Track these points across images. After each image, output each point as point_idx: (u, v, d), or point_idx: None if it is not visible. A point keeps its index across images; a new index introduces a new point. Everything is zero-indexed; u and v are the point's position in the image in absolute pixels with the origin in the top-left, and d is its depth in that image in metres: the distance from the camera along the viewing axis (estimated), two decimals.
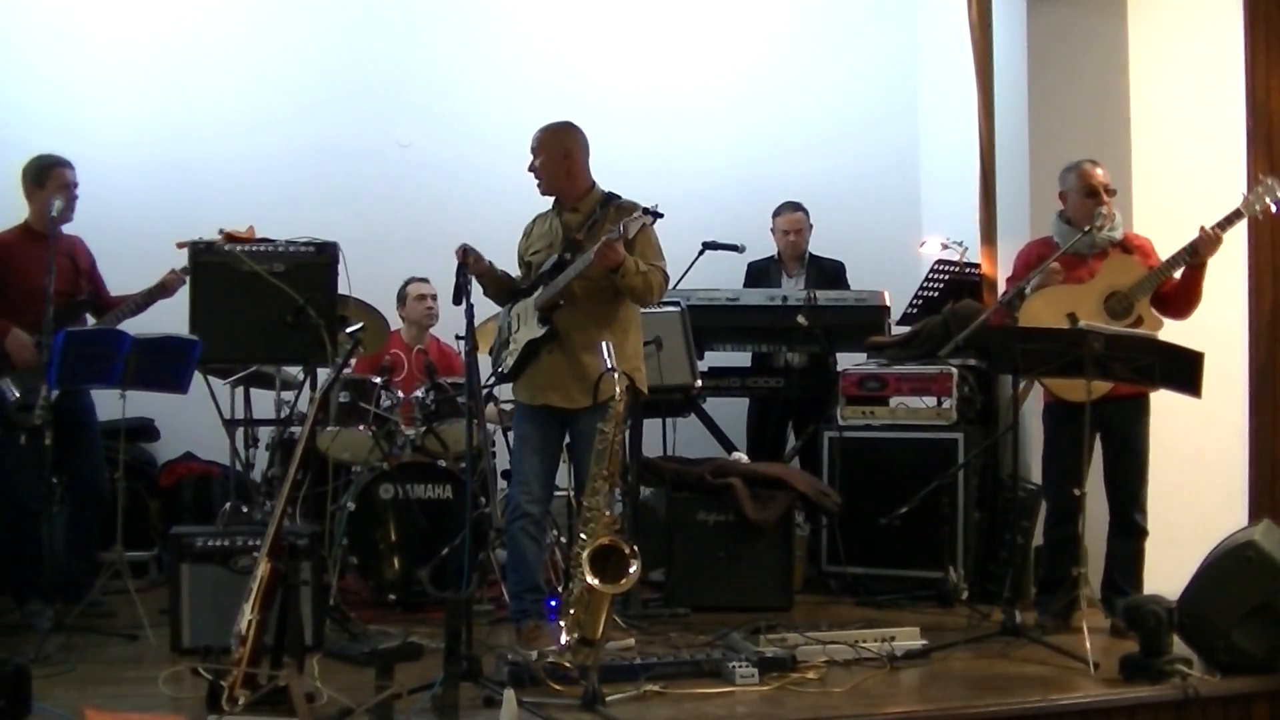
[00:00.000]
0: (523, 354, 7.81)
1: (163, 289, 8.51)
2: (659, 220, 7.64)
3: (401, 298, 10.62)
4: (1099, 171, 8.10)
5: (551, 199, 8.02)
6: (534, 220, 8.12)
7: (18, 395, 8.20)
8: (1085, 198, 8.05)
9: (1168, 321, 7.97)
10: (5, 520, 8.51)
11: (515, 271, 8.15)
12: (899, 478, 9.21)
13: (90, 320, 8.59)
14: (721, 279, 10.44)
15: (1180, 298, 7.97)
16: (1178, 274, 7.87)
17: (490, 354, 8.45)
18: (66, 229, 8.53)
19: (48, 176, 8.49)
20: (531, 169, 7.92)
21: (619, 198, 7.92)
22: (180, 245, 8.32)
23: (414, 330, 10.57)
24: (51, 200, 8.22)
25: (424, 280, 10.57)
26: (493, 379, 8.46)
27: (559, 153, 7.87)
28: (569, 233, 7.85)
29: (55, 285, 7.99)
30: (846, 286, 10.66)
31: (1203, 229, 7.71)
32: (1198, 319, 8.00)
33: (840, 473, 9.49)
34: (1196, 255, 7.75)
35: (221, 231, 8.31)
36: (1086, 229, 7.91)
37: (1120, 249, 8.10)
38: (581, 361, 7.59)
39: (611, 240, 7.35)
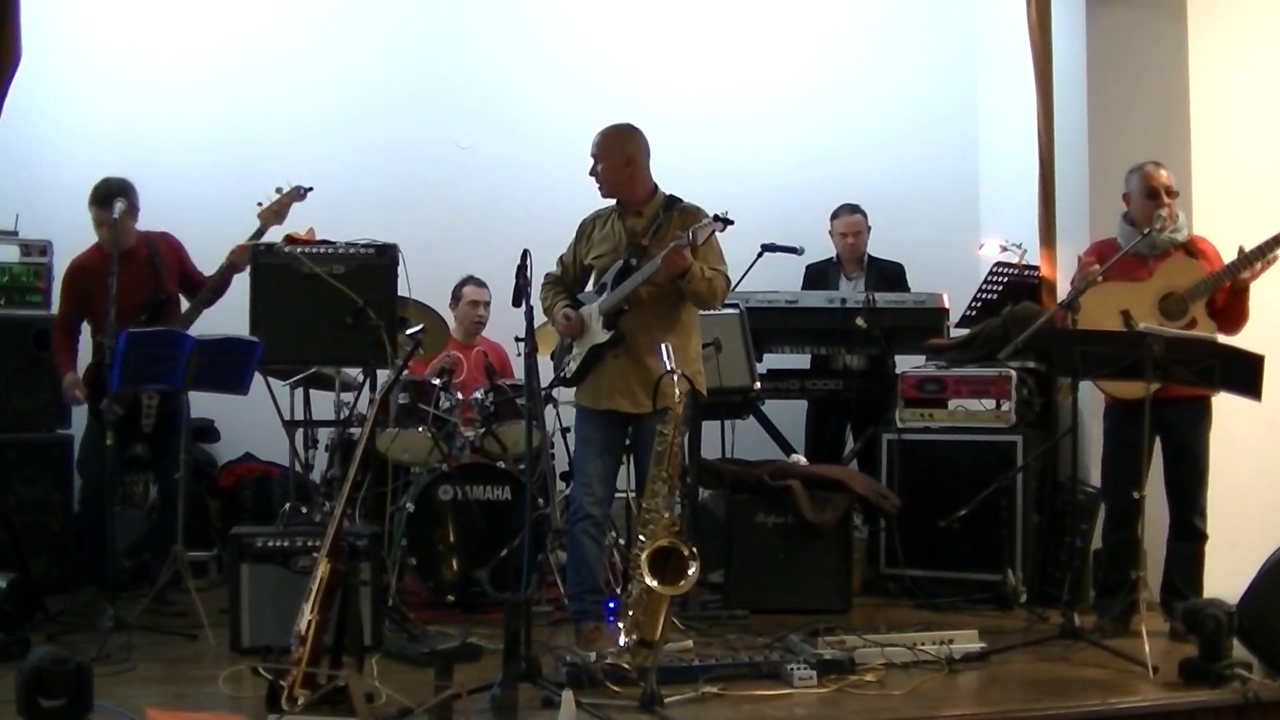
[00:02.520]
0: (587, 358, 7.82)
1: (232, 268, 8.62)
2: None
3: (456, 296, 10.64)
4: (1162, 173, 8.06)
5: (608, 200, 8.02)
6: (591, 221, 8.09)
7: (124, 411, 8.35)
8: (1146, 199, 8.02)
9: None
10: (84, 506, 8.78)
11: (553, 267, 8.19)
12: (958, 480, 9.22)
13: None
14: (780, 281, 10.44)
15: (1226, 314, 7.95)
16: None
17: (551, 358, 8.45)
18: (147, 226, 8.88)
19: (103, 207, 8.61)
20: (593, 173, 7.90)
21: (681, 201, 7.91)
22: (264, 217, 8.44)
23: (462, 331, 10.57)
24: (114, 205, 8.37)
25: (482, 285, 10.60)
26: (553, 382, 8.47)
27: (621, 158, 7.84)
28: (634, 238, 7.82)
29: (138, 295, 8.43)
30: (906, 288, 10.65)
31: (1241, 249, 7.73)
32: (1258, 322, 7.97)
33: (899, 475, 9.49)
34: (1235, 275, 7.76)
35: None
36: (1146, 231, 7.88)
37: (1184, 251, 8.07)
38: (647, 366, 7.57)
39: (680, 247, 7.35)
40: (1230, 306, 7.92)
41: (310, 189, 8.74)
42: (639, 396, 7.62)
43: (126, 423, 8.42)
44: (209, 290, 8.73)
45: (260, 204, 8.64)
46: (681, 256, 7.38)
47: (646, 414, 7.47)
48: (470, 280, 10.64)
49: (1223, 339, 7.65)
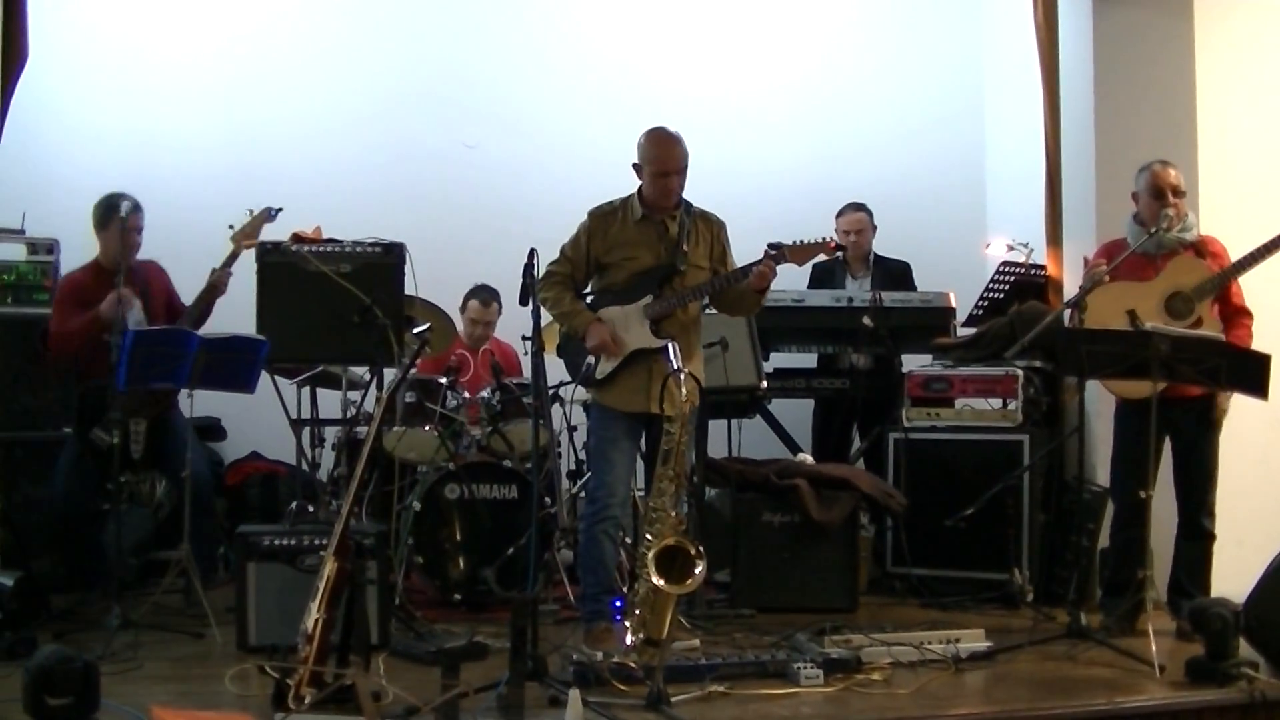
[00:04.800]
0: (627, 360, 7.80)
1: (213, 290, 8.58)
2: (728, 223, 7.97)
3: (464, 305, 10.60)
4: (1170, 173, 8.06)
5: (622, 201, 8.00)
6: (602, 218, 7.98)
7: (110, 440, 8.25)
8: (1152, 199, 8.02)
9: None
10: (65, 520, 8.82)
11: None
12: (964, 479, 9.22)
13: None
14: (786, 280, 10.35)
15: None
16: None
17: (559, 353, 8.41)
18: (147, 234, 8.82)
19: (109, 222, 8.64)
20: (674, 186, 7.89)
21: (690, 204, 7.97)
22: (237, 240, 8.42)
23: (467, 335, 10.54)
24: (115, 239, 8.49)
25: (489, 303, 10.47)
26: (583, 378, 8.37)
27: (688, 164, 7.93)
28: (673, 243, 7.86)
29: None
30: (912, 287, 10.63)
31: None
32: (1264, 319, 7.97)
33: (905, 474, 9.49)
34: (1240, 273, 7.85)
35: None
36: (1152, 230, 7.88)
37: (1193, 251, 8.06)
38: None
39: (774, 264, 7.66)
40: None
41: (280, 209, 8.66)
42: (676, 398, 7.58)
43: (111, 452, 8.41)
44: (192, 317, 8.68)
45: (232, 226, 8.56)
46: (774, 273, 7.70)
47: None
48: (478, 294, 10.52)
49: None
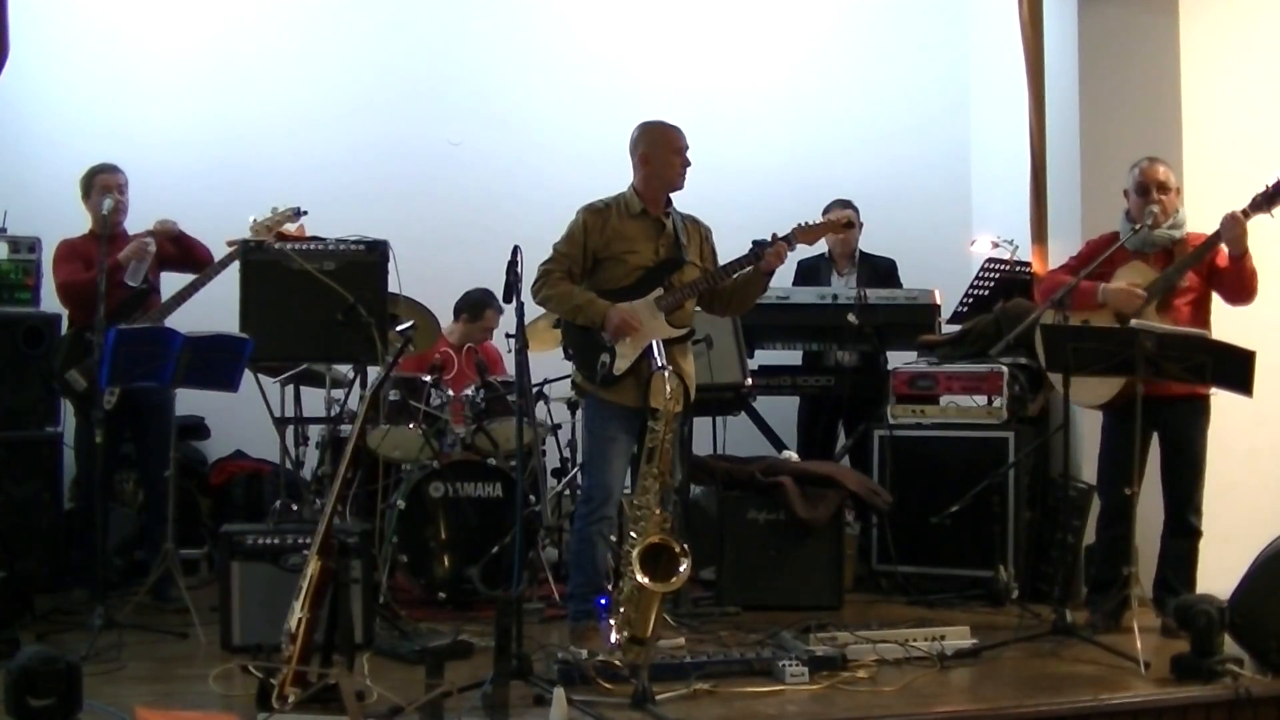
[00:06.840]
0: (644, 354, 7.68)
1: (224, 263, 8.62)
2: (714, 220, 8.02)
3: (475, 313, 10.52)
4: (1158, 169, 8.05)
5: (614, 198, 7.98)
6: (598, 215, 7.91)
7: (85, 384, 8.35)
8: (1138, 195, 8.03)
9: (1228, 311, 8.05)
10: (80, 501, 9.04)
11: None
12: (949, 476, 9.21)
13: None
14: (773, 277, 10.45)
15: (1230, 284, 7.92)
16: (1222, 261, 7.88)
17: (569, 356, 8.31)
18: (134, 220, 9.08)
19: (92, 184, 8.91)
20: (688, 163, 7.97)
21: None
22: (230, 243, 8.38)
23: (458, 336, 10.50)
24: (101, 200, 8.55)
25: (500, 311, 10.46)
26: (581, 377, 8.29)
27: None
28: (673, 238, 7.90)
29: (121, 277, 8.58)
30: (898, 284, 10.61)
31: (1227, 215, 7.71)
32: (1250, 315, 7.96)
33: (891, 471, 9.48)
34: (1220, 240, 7.74)
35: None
36: (1137, 227, 7.89)
37: (1183, 249, 8.04)
38: (683, 365, 7.73)
39: (784, 249, 7.83)
40: (1232, 275, 7.88)
41: (306, 212, 8.67)
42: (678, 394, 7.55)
43: (116, 418, 8.44)
44: (213, 271, 8.69)
45: (255, 218, 8.56)
46: (784, 258, 7.90)
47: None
48: (493, 303, 10.40)
49: (1216, 332, 7.66)
